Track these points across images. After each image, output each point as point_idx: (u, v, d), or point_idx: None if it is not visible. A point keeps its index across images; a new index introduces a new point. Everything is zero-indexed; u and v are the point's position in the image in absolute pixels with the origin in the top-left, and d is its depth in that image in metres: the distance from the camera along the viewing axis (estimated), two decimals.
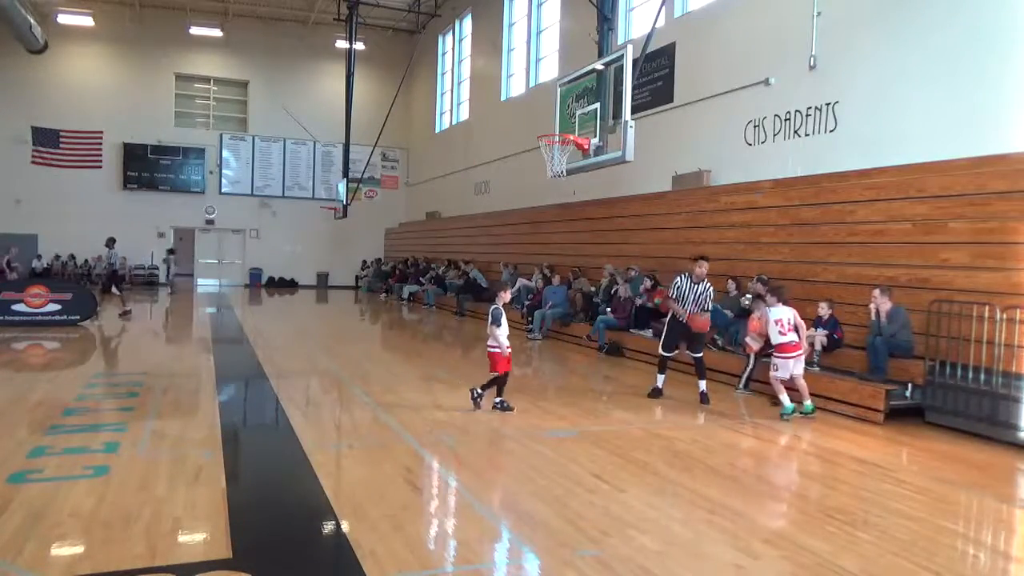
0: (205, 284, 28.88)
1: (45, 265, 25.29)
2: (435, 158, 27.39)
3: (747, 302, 9.86)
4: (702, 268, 8.14)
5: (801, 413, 7.36)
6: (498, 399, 7.23)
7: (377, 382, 9.04)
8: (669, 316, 8.40)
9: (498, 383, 7.25)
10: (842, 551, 3.97)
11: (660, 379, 8.35)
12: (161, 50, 27.42)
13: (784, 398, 7.36)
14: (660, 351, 8.35)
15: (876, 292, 7.90)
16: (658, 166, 13.44)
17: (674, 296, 8.24)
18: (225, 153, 28.69)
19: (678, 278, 8.31)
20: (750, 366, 8.74)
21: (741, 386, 8.76)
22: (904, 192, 8.61)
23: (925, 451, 6.43)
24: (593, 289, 13.92)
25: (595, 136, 9.37)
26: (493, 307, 7.31)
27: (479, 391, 7.26)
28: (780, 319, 7.38)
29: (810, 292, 9.34)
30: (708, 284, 8.18)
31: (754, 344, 8.68)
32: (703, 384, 8.14)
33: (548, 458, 5.69)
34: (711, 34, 12.83)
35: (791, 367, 7.32)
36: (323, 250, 29.59)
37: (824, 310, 8.47)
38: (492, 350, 7.24)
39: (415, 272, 23.97)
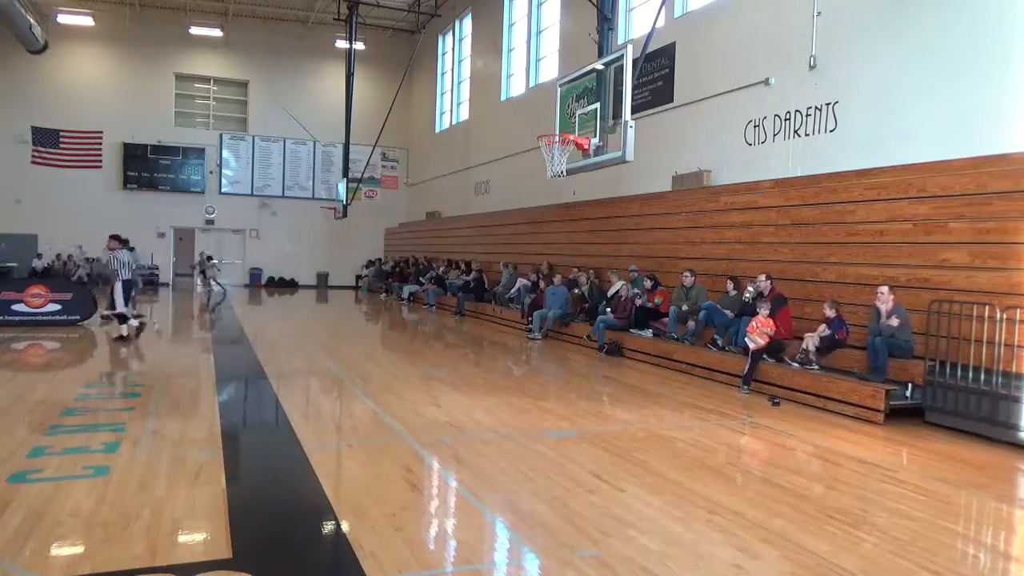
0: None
1: (45, 265, 25.25)
2: (435, 158, 27.38)
3: (749, 295, 9.84)
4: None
5: None
6: None
7: (377, 382, 9.03)
8: (117, 285, 11.55)
9: None
10: (842, 551, 3.97)
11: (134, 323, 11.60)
12: (161, 50, 27.41)
13: None
14: (120, 309, 11.43)
15: (885, 289, 7.90)
16: (658, 166, 13.43)
17: (115, 267, 11.59)
18: (225, 153, 28.67)
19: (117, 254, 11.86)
20: (748, 364, 8.72)
21: (743, 384, 8.74)
22: (904, 192, 8.60)
23: (925, 451, 6.43)
24: (579, 292, 13.88)
25: (595, 136, 9.37)
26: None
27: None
28: None
29: (810, 292, 9.35)
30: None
31: (752, 343, 8.67)
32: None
33: (548, 458, 5.69)
34: (711, 34, 12.83)
35: None
36: (323, 250, 29.57)
37: (829, 311, 8.43)
38: None
39: (415, 272, 23.97)
